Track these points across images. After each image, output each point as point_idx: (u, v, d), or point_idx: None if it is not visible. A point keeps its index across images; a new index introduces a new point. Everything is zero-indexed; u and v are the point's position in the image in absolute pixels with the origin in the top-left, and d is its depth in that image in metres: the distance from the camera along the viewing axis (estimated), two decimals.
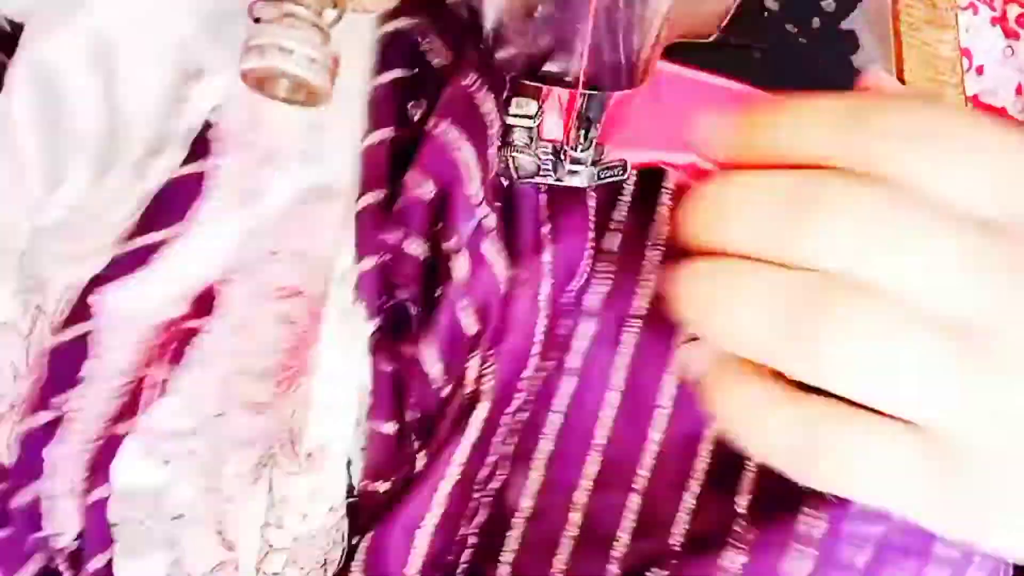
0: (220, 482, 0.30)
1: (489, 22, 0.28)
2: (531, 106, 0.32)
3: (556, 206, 0.34)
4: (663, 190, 0.34)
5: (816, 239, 0.25)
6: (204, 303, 0.31)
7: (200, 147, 0.32)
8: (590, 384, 0.34)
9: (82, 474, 0.30)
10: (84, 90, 0.32)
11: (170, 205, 0.32)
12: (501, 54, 0.29)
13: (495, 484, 0.33)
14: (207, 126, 0.32)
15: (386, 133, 0.32)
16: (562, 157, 0.33)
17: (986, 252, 0.24)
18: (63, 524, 0.30)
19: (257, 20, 0.26)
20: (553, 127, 0.33)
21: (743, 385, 0.28)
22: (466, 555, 0.33)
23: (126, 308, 0.31)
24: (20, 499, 0.30)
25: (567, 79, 0.29)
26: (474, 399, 0.32)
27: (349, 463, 0.31)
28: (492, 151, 0.32)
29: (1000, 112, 0.37)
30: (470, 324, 0.32)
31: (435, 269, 0.32)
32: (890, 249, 0.24)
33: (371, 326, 0.31)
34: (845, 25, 0.35)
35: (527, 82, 0.30)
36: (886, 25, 0.35)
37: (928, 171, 0.25)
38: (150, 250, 0.31)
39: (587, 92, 0.30)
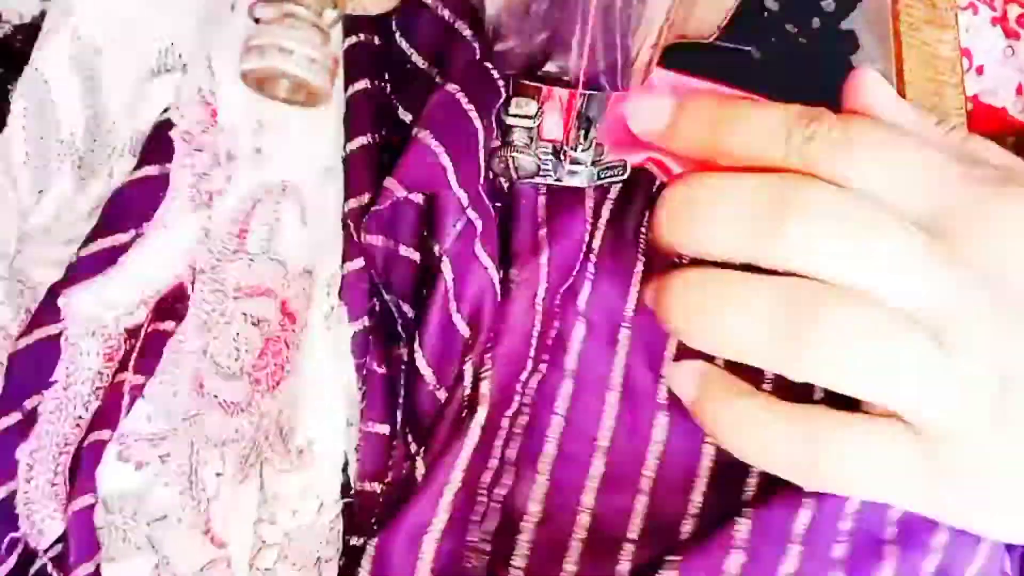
0: (200, 483, 0.30)
1: (489, 21, 0.28)
2: (531, 106, 0.32)
3: (554, 208, 0.34)
4: (652, 190, 0.34)
5: (790, 242, 0.26)
6: (172, 305, 0.31)
7: (163, 147, 0.32)
8: (589, 386, 0.34)
9: (61, 480, 0.31)
10: (69, 96, 0.32)
11: (133, 206, 0.32)
12: (501, 54, 0.29)
13: (502, 490, 0.33)
14: (168, 126, 0.32)
15: (367, 139, 0.32)
16: (562, 157, 0.33)
17: (931, 249, 0.26)
18: (41, 525, 0.31)
19: (257, 20, 0.26)
20: (553, 127, 0.33)
21: (737, 399, 0.29)
22: (480, 561, 0.33)
23: (94, 310, 0.31)
24: None
25: (567, 79, 0.29)
26: (473, 403, 0.32)
27: (346, 464, 0.31)
28: (479, 155, 0.32)
29: (1000, 112, 0.37)
30: (463, 327, 0.32)
31: (427, 272, 0.32)
32: (861, 252, 0.26)
33: (354, 327, 0.31)
34: (845, 25, 0.35)
35: (527, 82, 0.31)
36: (886, 25, 0.34)
37: (870, 173, 0.27)
38: (117, 251, 0.31)
39: (587, 92, 0.30)
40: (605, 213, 0.34)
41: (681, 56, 0.33)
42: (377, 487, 0.31)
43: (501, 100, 0.32)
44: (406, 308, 0.32)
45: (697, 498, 0.33)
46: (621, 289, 0.34)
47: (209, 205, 0.32)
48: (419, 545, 0.31)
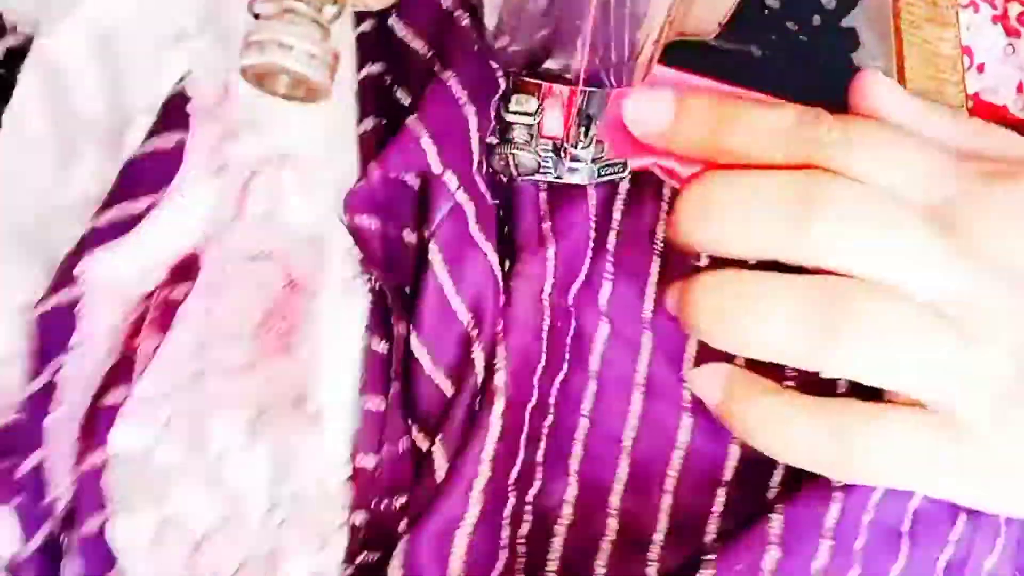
0: (207, 443, 0.31)
1: (489, 18, 0.28)
2: (531, 103, 0.32)
3: (556, 203, 0.34)
4: (663, 189, 0.34)
5: (817, 240, 0.27)
6: (185, 271, 0.32)
7: (177, 117, 0.32)
8: (612, 386, 0.34)
9: (74, 440, 0.31)
10: (87, 80, 0.33)
11: (149, 174, 0.32)
12: (501, 50, 0.29)
13: (533, 490, 0.33)
14: (184, 97, 0.33)
15: (373, 122, 0.33)
16: (562, 154, 0.33)
17: (946, 243, 0.27)
18: (60, 489, 0.31)
19: (257, 16, 0.26)
20: (553, 124, 0.33)
21: (762, 398, 0.29)
22: (519, 565, 0.33)
23: (111, 276, 0.31)
24: (25, 467, 0.31)
25: (567, 76, 0.29)
26: (489, 395, 0.32)
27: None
28: (470, 140, 0.32)
29: (1001, 110, 0.37)
30: (463, 312, 0.32)
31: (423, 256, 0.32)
32: (888, 247, 0.27)
33: (369, 300, 0.32)
34: (846, 23, 0.35)
35: (527, 79, 0.30)
36: (887, 23, 0.34)
37: (870, 174, 0.27)
38: (133, 219, 0.32)
39: (587, 89, 0.29)
40: (617, 213, 0.34)
41: (682, 54, 0.32)
42: (372, 460, 0.31)
43: (500, 89, 0.32)
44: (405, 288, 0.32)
45: (721, 497, 0.33)
46: (638, 290, 0.34)
47: (220, 174, 0.32)
48: (451, 540, 0.31)
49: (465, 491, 0.31)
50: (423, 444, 0.32)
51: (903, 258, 0.27)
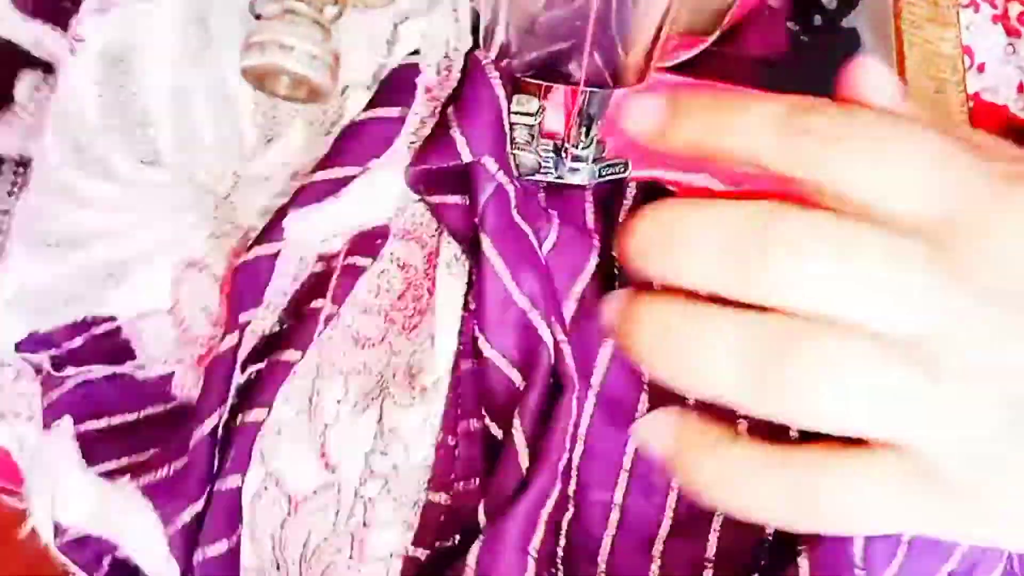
0: (318, 407, 0.31)
1: (488, 19, 0.28)
2: (532, 103, 0.32)
3: (555, 203, 0.34)
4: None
5: (771, 278, 0.25)
6: (369, 241, 0.33)
7: (400, 91, 0.33)
8: (618, 386, 0.33)
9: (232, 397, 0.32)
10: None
11: (363, 142, 0.33)
12: (502, 51, 0.29)
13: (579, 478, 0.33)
14: (410, 71, 0.33)
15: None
16: (563, 154, 0.33)
17: (931, 267, 0.24)
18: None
19: (258, 17, 0.26)
20: (554, 124, 0.33)
21: (719, 451, 0.27)
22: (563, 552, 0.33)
23: (305, 236, 0.32)
24: (201, 431, 0.31)
25: (568, 76, 0.29)
26: (565, 379, 0.32)
27: None
28: (503, 120, 0.32)
29: (1002, 110, 0.37)
30: (522, 299, 0.32)
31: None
32: (847, 286, 0.24)
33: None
34: (846, 23, 0.35)
35: (528, 79, 0.30)
36: (887, 23, 0.34)
37: (861, 179, 0.25)
38: (339, 183, 0.32)
39: (588, 89, 0.29)
40: (622, 216, 0.34)
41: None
42: (452, 439, 0.32)
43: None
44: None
45: (713, 540, 0.33)
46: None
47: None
48: (537, 518, 0.31)
49: (553, 469, 0.31)
50: (496, 432, 0.32)
51: (864, 297, 0.24)
